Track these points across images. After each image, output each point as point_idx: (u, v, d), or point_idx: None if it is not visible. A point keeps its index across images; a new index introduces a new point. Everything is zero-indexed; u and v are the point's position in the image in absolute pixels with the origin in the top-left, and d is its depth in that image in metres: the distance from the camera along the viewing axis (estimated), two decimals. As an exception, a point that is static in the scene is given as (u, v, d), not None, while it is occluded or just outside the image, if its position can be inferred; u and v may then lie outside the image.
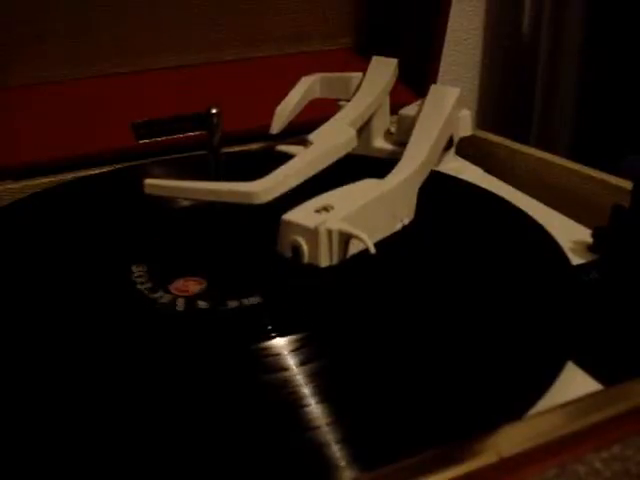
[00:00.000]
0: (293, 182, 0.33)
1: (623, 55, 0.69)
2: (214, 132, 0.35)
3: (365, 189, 0.31)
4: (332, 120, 0.38)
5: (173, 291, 0.30)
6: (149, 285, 0.30)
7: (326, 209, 0.30)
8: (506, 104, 0.41)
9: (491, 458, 0.21)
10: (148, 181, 0.33)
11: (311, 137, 0.36)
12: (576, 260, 0.33)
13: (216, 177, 0.36)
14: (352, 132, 0.37)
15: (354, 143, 0.37)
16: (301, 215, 0.29)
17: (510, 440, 0.22)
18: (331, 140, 0.36)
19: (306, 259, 0.29)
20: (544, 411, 0.23)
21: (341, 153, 0.35)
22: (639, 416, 0.24)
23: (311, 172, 0.34)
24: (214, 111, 0.35)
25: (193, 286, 0.30)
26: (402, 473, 0.20)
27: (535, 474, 0.22)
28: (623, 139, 0.66)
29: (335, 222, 0.29)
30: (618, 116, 0.70)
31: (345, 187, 0.32)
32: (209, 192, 0.32)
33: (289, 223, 0.29)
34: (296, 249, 0.29)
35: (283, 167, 0.33)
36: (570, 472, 0.23)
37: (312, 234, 0.28)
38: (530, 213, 0.36)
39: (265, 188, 0.32)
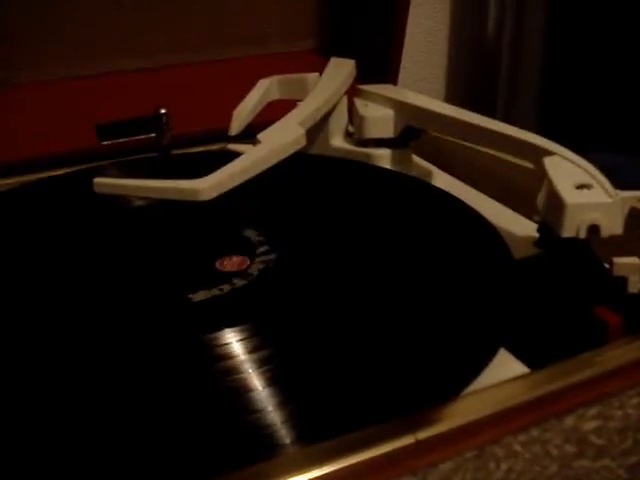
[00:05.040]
0: (238, 180, 0.34)
1: (586, 51, 0.70)
2: (163, 132, 0.36)
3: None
4: (282, 119, 0.39)
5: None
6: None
7: (585, 187, 0.30)
8: (470, 104, 0.41)
9: (408, 440, 0.22)
10: (97, 180, 0.34)
11: (260, 136, 0.37)
12: (521, 254, 0.34)
13: (165, 176, 0.37)
14: (301, 131, 0.37)
15: (303, 142, 0.37)
16: (578, 195, 0.30)
17: (427, 423, 0.23)
18: (279, 139, 0.36)
19: (604, 234, 0.29)
20: (463, 395, 0.24)
21: (288, 152, 0.36)
22: (557, 399, 0.25)
23: (257, 170, 0.34)
24: (162, 111, 0.35)
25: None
26: (323, 454, 0.21)
27: (452, 456, 0.23)
28: (587, 135, 0.67)
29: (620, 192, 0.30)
30: (582, 111, 0.71)
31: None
32: (156, 190, 0.33)
33: (578, 205, 0.29)
34: (594, 227, 0.29)
35: (229, 165, 0.34)
36: (488, 454, 0.24)
37: (610, 208, 0.29)
38: (478, 208, 0.36)
39: (210, 185, 0.32)
